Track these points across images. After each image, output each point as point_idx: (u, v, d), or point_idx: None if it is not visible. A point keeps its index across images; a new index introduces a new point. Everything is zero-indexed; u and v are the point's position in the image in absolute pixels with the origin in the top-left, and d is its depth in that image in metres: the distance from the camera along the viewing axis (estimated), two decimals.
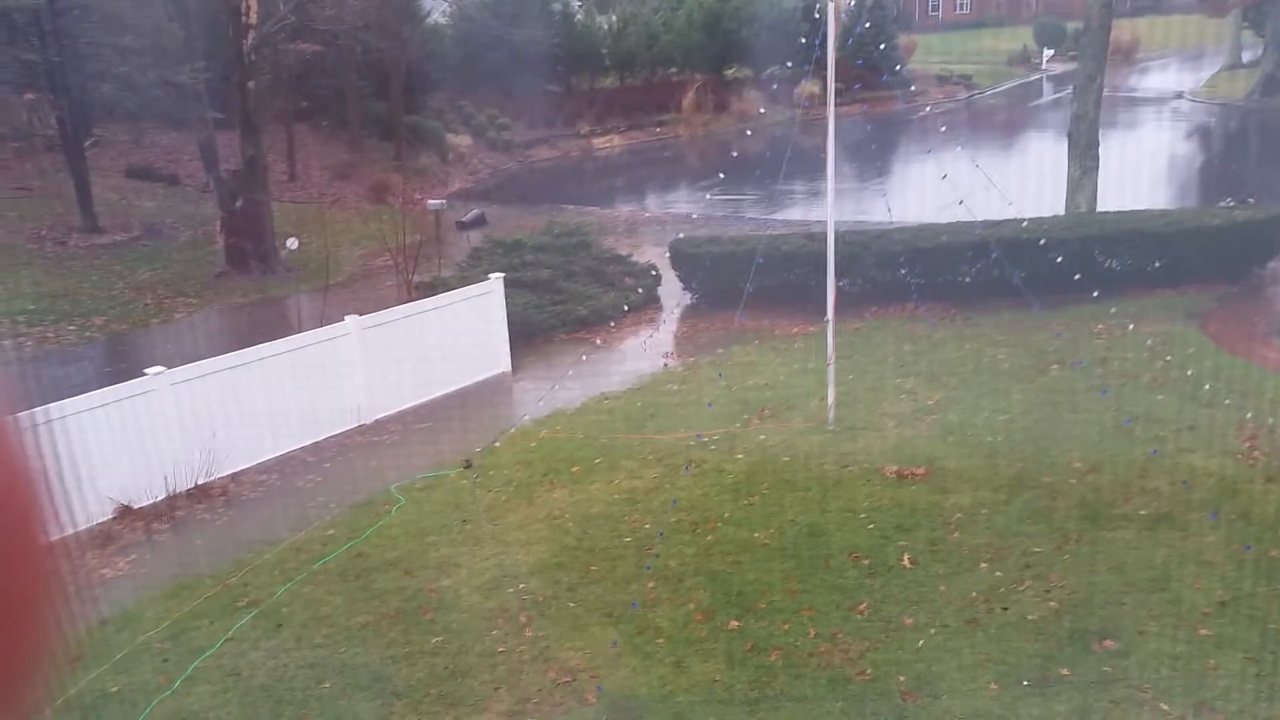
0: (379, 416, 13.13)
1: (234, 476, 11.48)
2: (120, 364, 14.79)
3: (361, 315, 13.26)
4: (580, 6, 44.76)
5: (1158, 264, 15.66)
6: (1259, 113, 38.57)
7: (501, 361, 14.92)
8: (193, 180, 27.21)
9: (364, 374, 13.00)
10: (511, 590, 8.41)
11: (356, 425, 12.89)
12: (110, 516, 10.49)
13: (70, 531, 10.18)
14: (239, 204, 20.73)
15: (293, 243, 19.41)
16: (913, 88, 43.75)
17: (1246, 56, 48.43)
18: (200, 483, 11.11)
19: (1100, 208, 18.60)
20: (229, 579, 9.00)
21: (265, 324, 16.85)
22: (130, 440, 10.71)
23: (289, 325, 14.79)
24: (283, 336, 12.82)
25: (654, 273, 18.40)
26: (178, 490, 10.94)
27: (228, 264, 20.73)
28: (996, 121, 43.15)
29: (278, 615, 8.35)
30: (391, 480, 10.97)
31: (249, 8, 20.51)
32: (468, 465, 11.18)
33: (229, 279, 20.34)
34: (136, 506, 10.65)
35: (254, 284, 20.02)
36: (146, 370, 11.06)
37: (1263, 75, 40.83)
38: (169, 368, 11.19)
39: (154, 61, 22.35)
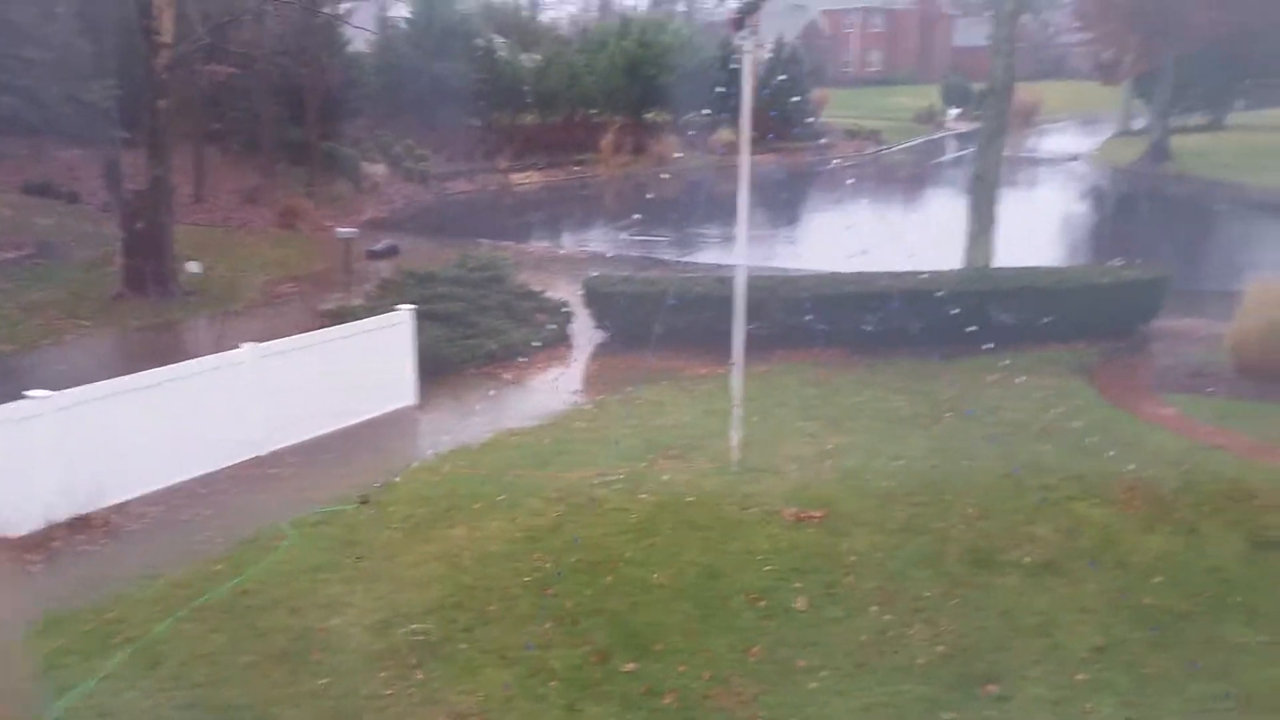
0: (276, 448, 12.78)
1: (118, 507, 11.02)
2: (4, 386, 14.12)
3: (261, 343, 12.94)
4: (504, 44, 44.95)
5: (1049, 319, 16.31)
6: (1146, 178, 40.74)
7: (408, 394, 14.70)
8: (94, 199, 26.32)
9: (261, 404, 12.65)
10: (403, 630, 8.22)
11: (252, 457, 12.52)
12: None
13: None
14: (140, 225, 20.11)
15: (194, 266, 18.90)
16: (823, 140, 45.00)
17: (1137, 124, 51.20)
18: (82, 513, 10.63)
19: (997, 263, 19.33)
20: (105, 614, 8.60)
21: (161, 349, 16.33)
22: (8, 467, 10.21)
23: (185, 351, 14.36)
24: (177, 362, 12.42)
25: (566, 310, 18.43)
26: (57, 520, 10.44)
27: (125, 286, 20.04)
28: (902, 176, 44.63)
29: (155, 653, 8.00)
30: (284, 515, 10.65)
31: (163, 26, 20.06)
32: (364, 501, 10.94)
33: (126, 301, 19.67)
34: (12, 536, 10.14)
35: (151, 307, 19.38)
36: (29, 393, 10.58)
37: (1151, 143, 43.19)
38: (55, 391, 10.73)
39: (60, 76, 21.66)
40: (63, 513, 10.51)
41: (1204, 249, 27.78)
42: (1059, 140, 54.54)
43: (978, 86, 51.79)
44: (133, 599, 8.87)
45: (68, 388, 10.97)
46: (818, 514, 10.12)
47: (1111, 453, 11.48)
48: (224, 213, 28.39)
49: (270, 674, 7.70)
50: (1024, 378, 14.04)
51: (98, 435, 10.93)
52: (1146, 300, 17.28)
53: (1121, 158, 45.16)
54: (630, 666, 7.68)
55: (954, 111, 59.75)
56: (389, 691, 7.45)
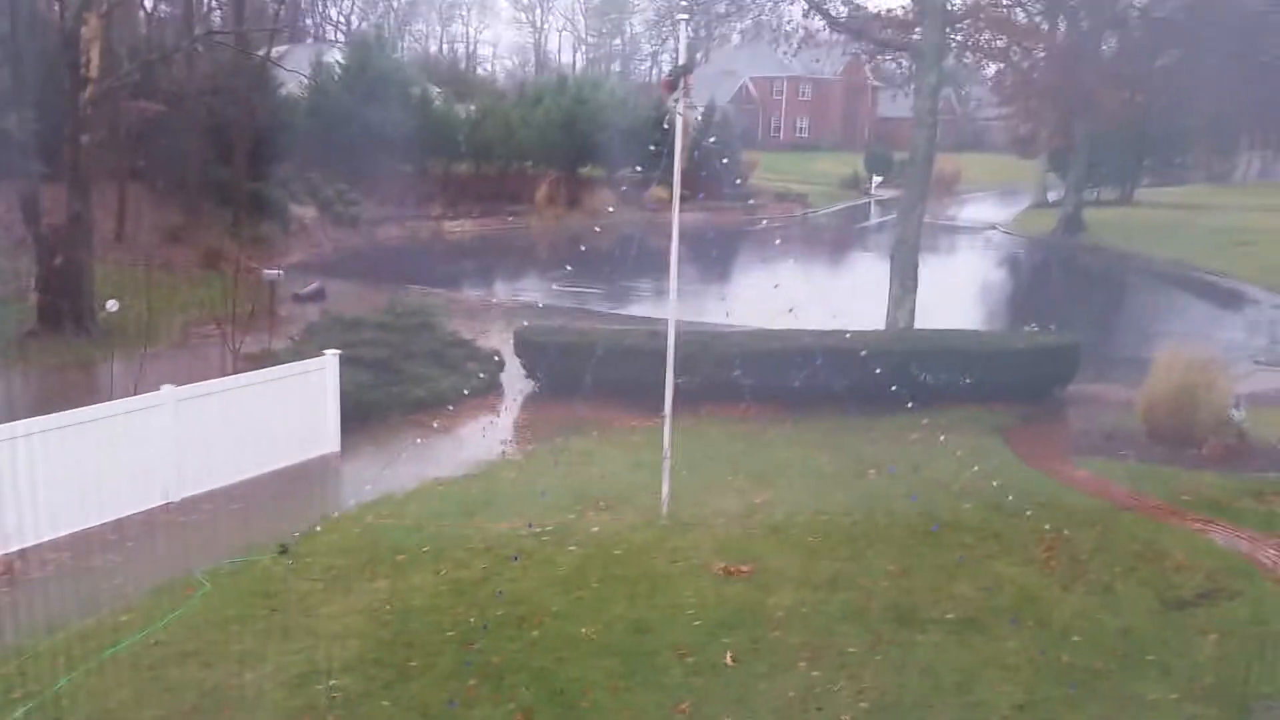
0: (190, 494, 12.37)
1: (21, 553, 10.52)
2: None
3: (179, 385, 12.58)
4: (439, 93, 45.07)
5: (968, 380, 16.75)
6: (1061, 248, 42.41)
7: (330, 441, 14.40)
8: (8, 233, 25.44)
9: (177, 448, 12.26)
10: (320, 686, 7.96)
11: (164, 503, 12.10)
12: None
13: None
14: (58, 261, 19.50)
15: (112, 305, 18.34)
16: (752, 201, 45.90)
17: (1051, 196, 53.38)
18: None
19: (918, 324, 19.84)
20: (2, 668, 8.15)
21: (74, 389, 15.75)
22: None
23: (99, 391, 13.87)
24: (90, 403, 11.99)
25: (497, 359, 18.34)
26: None
27: (39, 323, 19.36)
28: (827, 239, 45.73)
29: (56, 709, 7.60)
30: (198, 564, 10.29)
31: (89, 61, 19.66)
32: (283, 550, 10.62)
33: (39, 339, 18.98)
34: None
35: (66, 346, 18.73)
36: None
37: (1063, 215, 45.05)
38: None
39: None
40: None
41: (1116, 317, 28.94)
42: (978, 209, 56.51)
43: (900, 155, 53.57)
44: (34, 651, 8.43)
45: None
46: (746, 568, 10.14)
47: (1029, 512, 11.76)
48: (146, 251, 27.59)
49: None
50: (944, 437, 14.35)
51: (4, 477, 10.45)
52: (1061, 365, 17.88)
53: (1037, 228, 46.96)
54: None
55: (877, 179, 61.56)
56: None
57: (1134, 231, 42.53)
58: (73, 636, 8.71)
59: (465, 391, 16.64)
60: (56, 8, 21.78)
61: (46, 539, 10.82)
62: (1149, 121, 40.63)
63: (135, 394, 12.71)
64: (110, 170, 27.04)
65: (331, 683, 8.00)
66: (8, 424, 10.82)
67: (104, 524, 11.38)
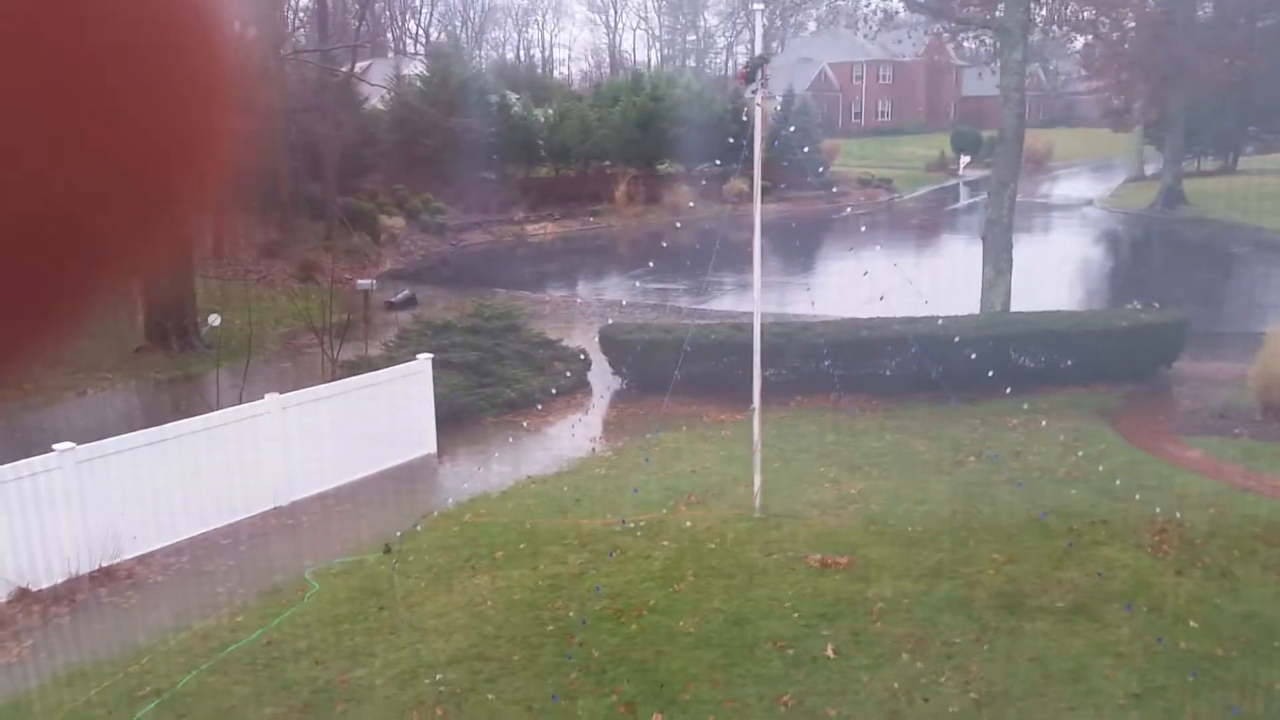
0: (297, 498, 12.79)
1: (141, 559, 11.02)
2: (29, 439, 14.20)
3: (283, 394, 13.01)
4: (518, 99, 45.64)
5: (1069, 362, 16.25)
6: (1161, 222, 40.78)
7: (427, 443, 14.71)
8: None
9: (283, 454, 12.68)
10: (428, 681, 8.15)
11: (273, 507, 12.52)
12: (6, 599, 9.95)
13: None
14: (161, 279, 20.34)
15: (215, 319, 19.06)
16: (835, 189, 45.30)
17: (1149, 169, 51.37)
18: (104, 565, 10.63)
19: (1014, 307, 19.32)
20: (130, 666, 8.56)
21: (182, 401, 16.42)
22: (31, 520, 10.23)
23: (206, 403, 14.43)
24: (199, 414, 12.49)
25: (583, 357, 18.48)
26: (80, 572, 10.44)
27: (146, 339, 20.23)
28: (915, 223, 44.81)
29: (180, 705, 7.95)
30: (307, 565, 10.63)
31: None
32: (387, 550, 10.90)
33: (147, 354, 19.83)
34: (35, 589, 10.13)
35: (173, 360, 19.54)
36: (54, 446, 10.64)
37: (1163, 188, 43.31)
38: (78, 444, 10.79)
39: None
40: (86, 565, 10.51)
41: (1223, 291, 27.72)
42: (1072, 185, 54.70)
43: (987, 134, 52.22)
44: (157, 651, 8.83)
45: (90, 440, 11.03)
46: (843, 560, 10.02)
47: (1138, 496, 11.35)
48: (244, 266, 28.70)
49: None
50: (1046, 421, 13.95)
51: (120, 487, 10.97)
52: (1166, 343, 17.21)
53: (1136, 202, 45.25)
54: (658, 717, 7.57)
55: (965, 159, 60.09)
56: None
57: (1239, 201, 40.63)
58: (192, 637, 9.09)
59: (553, 391, 16.82)
60: None
61: (165, 544, 11.30)
62: (1251, 87, 38.74)
63: (241, 403, 13.18)
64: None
65: (438, 677, 8.18)
66: (123, 436, 11.34)
67: (218, 529, 11.83)
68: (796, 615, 8.97)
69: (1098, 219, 44.27)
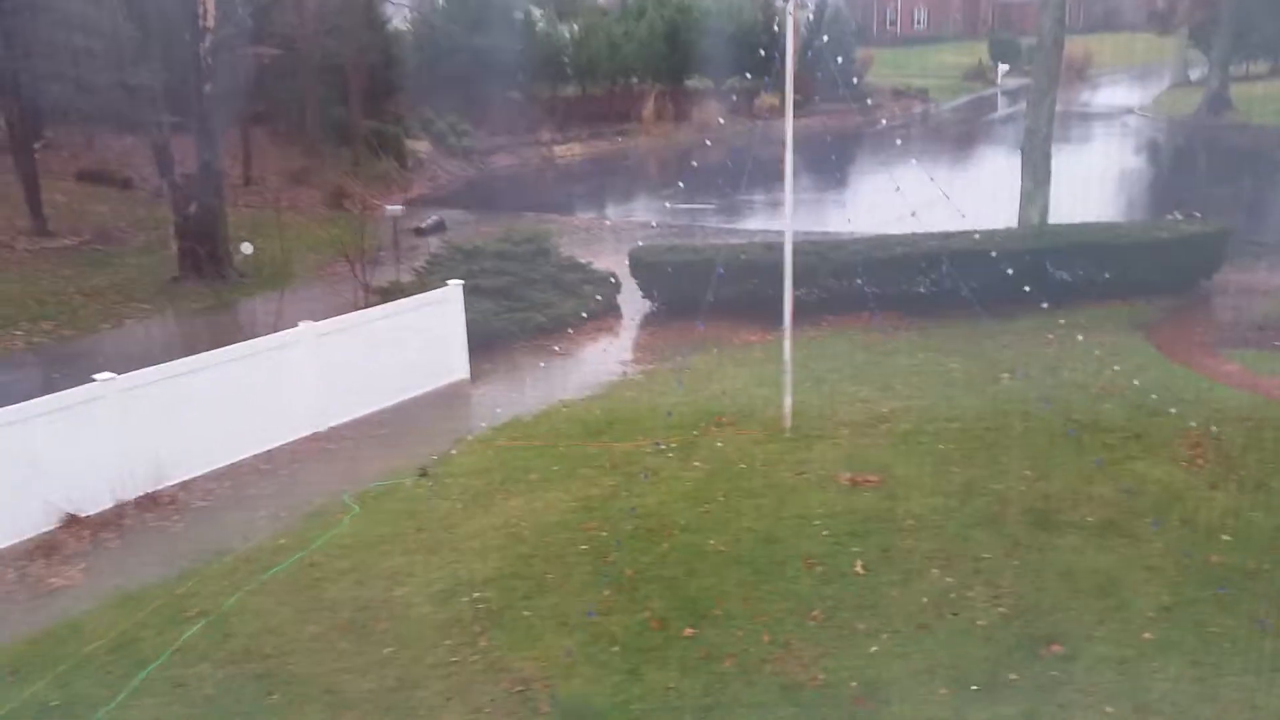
0: (333, 424, 12.99)
1: (184, 485, 11.30)
2: (68, 370, 14.50)
3: (316, 321, 13.12)
4: (542, 15, 44.73)
5: (1107, 276, 15.97)
6: (1206, 129, 39.54)
7: (459, 369, 14.83)
8: (146, 184, 26.77)
9: (318, 381, 12.85)
10: (465, 599, 8.35)
11: (310, 433, 12.74)
12: (57, 525, 10.28)
13: (15, 540, 9.98)
14: (193, 209, 20.43)
15: (247, 248, 19.17)
16: (869, 101, 44.28)
17: (1194, 75, 49.63)
18: (149, 491, 10.92)
19: (1052, 220, 18.92)
20: (177, 589, 8.85)
21: (218, 330, 16.63)
22: (78, 448, 10.50)
23: (242, 331, 14.60)
24: (236, 342, 12.64)
25: (613, 280, 18.42)
26: (126, 499, 10.74)
27: (181, 269, 20.41)
28: (951, 135, 43.79)
29: (226, 626, 8.22)
30: (345, 489, 10.86)
31: (206, 11, 20.24)
32: (423, 473, 11.09)
33: (182, 284, 20.03)
34: (84, 515, 10.45)
35: (207, 289, 19.73)
36: (95, 376, 10.85)
37: (1208, 93, 41.90)
38: (118, 374, 10.99)
39: (108, 63, 21.96)
40: (131, 491, 10.80)
41: (1268, 200, 26.94)
42: (1113, 93, 53.08)
43: (1026, 41, 50.54)
44: (202, 574, 9.11)
45: (130, 370, 11.23)
46: (874, 478, 10.06)
47: (1173, 410, 11.25)
48: (273, 194, 28.68)
49: (337, 645, 7.87)
50: (1082, 336, 13.78)
51: (162, 415, 11.19)
52: (1208, 254, 16.85)
53: (1179, 109, 43.87)
54: (689, 632, 7.73)
55: (1003, 68, 58.35)
56: (454, 659, 7.58)
57: None
58: (236, 560, 9.37)
59: (584, 315, 16.83)
60: None
61: (206, 470, 11.57)
62: None
63: (276, 331, 13.32)
64: (233, 117, 27.97)
65: (475, 595, 8.39)
66: (162, 365, 11.52)
67: (256, 455, 12.07)
68: (826, 533, 9.06)
69: (1139, 127, 43.02)
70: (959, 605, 7.85)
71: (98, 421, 10.69)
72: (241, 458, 11.97)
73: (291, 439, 12.51)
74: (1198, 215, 17.53)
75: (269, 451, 12.21)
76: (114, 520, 10.50)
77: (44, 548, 9.93)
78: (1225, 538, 8.57)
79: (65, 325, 17.66)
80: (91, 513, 10.53)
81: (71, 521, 10.33)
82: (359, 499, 10.59)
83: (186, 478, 11.39)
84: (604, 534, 9.30)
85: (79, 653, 7.94)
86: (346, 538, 9.69)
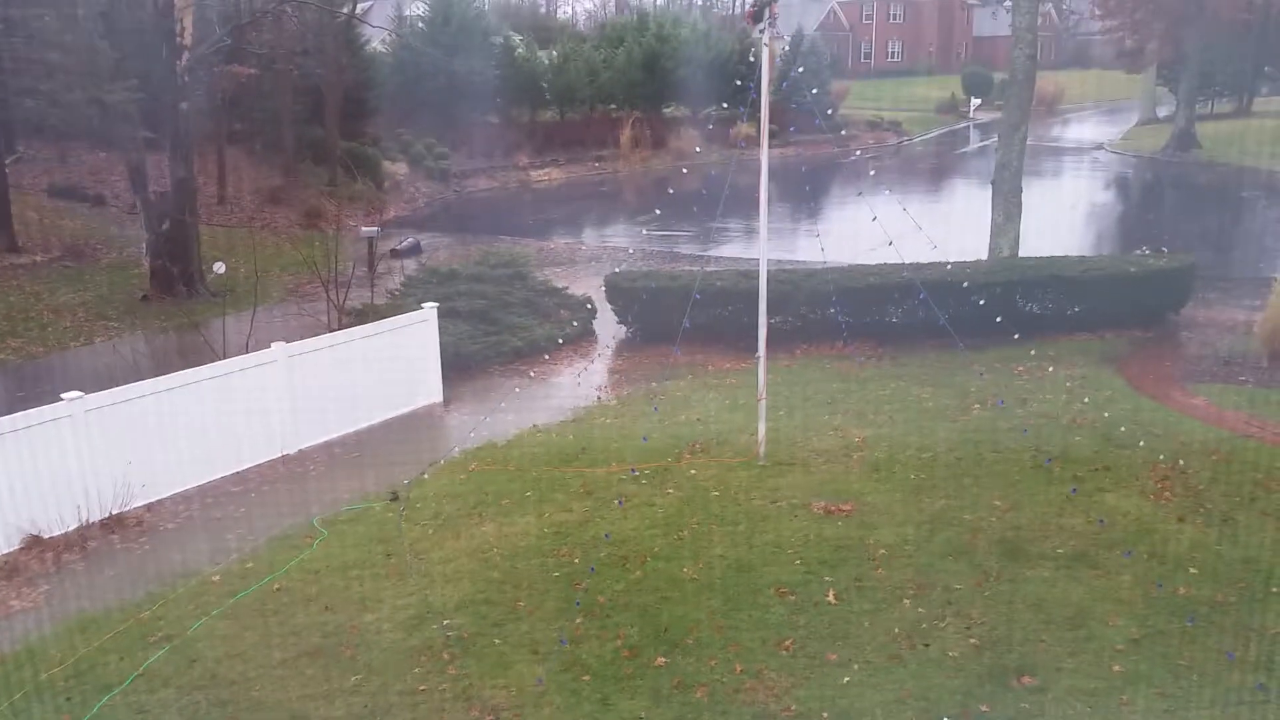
0: (304, 446, 12.88)
1: (151, 506, 11.15)
2: (36, 388, 14.29)
3: (289, 342, 13.03)
4: (521, 40, 44.99)
5: (1076, 309, 16.17)
6: (1173, 166, 40.28)
7: (433, 392, 14.76)
8: (119, 201, 26.58)
9: (290, 403, 12.75)
10: (435, 626, 8.27)
11: (281, 455, 12.62)
12: (18, 547, 10.09)
13: None
14: (166, 226, 20.28)
15: (220, 267, 19.01)
16: (844, 132, 44.75)
17: (1161, 112, 50.60)
18: (115, 512, 10.76)
19: (1023, 252, 19.17)
20: (141, 613, 8.71)
21: (188, 349, 16.46)
22: (42, 468, 10.33)
23: (213, 351, 14.46)
24: (206, 362, 12.53)
25: (589, 306, 18.45)
26: (91, 520, 10.57)
27: (152, 287, 20.23)
28: (924, 167, 44.33)
29: (191, 651, 8.09)
30: (315, 512, 10.75)
31: (184, 29, 20.23)
32: (394, 498, 11.00)
33: (153, 303, 19.85)
34: (47, 536, 10.26)
35: (179, 308, 19.56)
36: (62, 395, 10.70)
37: (1176, 130, 42.71)
38: (86, 393, 10.84)
39: (83, 79, 21.83)
40: (97, 512, 10.64)
41: (1233, 236, 27.45)
42: (1083, 129, 54.00)
43: (999, 76, 51.37)
44: (168, 598, 8.97)
45: (99, 388, 11.09)
46: (847, 507, 10.09)
47: (1142, 442, 11.37)
48: (247, 213, 28.58)
49: (304, 671, 7.76)
50: (1052, 368, 13.94)
51: (130, 436, 11.05)
52: (1175, 288, 17.11)
53: (1147, 145, 44.68)
54: (661, 660, 7.69)
55: (975, 102, 59.27)
56: (422, 687, 7.49)
57: (1253, 144, 40.11)
58: (202, 583, 9.23)
59: (560, 340, 16.83)
60: None
61: (174, 492, 11.42)
62: (1266, 26, 37.96)
63: (248, 352, 13.21)
64: (209, 135, 27.87)
65: (445, 622, 8.31)
66: (130, 385, 11.38)
67: (226, 477, 11.94)
68: (799, 562, 9.06)
69: (1109, 162, 43.75)
70: (931, 636, 7.86)
71: (64, 441, 10.54)
72: (211, 479, 11.84)
73: (262, 460, 12.39)
74: (1164, 250, 17.82)
75: (239, 473, 12.08)
76: (78, 542, 10.32)
77: (4, 570, 9.75)
78: (1193, 570, 8.65)
79: (34, 342, 17.43)
80: (55, 534, 10.35)
81: (34, 543, 10.15)
82: (329, 523, 10.48)
83: (155, 499, 11.24)
84: (576, 560, 9.25)
85: (38, 678, 7.78)
86: (315, 562, 9.58)
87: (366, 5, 42.40)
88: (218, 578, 9.35)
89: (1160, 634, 7.78)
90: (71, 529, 10.45)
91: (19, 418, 10.33)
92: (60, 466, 10.46)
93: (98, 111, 22.30)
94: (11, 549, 10.06)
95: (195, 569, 9.56)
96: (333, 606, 8.70)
